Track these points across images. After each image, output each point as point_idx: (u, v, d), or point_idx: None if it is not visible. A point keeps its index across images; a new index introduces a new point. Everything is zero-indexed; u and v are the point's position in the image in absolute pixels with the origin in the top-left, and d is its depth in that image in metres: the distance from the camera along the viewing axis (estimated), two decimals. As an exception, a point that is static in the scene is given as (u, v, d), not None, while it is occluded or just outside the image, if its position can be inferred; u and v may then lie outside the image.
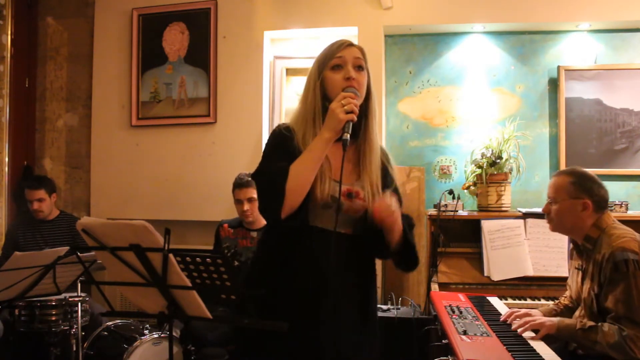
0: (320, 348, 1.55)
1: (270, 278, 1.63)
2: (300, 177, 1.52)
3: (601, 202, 2.06)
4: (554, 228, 2.16)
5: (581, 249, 2.10)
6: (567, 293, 2.32)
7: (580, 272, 2.12)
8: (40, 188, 3.41)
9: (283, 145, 1.60)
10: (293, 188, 1.51)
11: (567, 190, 2.07)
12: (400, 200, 1.66)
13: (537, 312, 2.19)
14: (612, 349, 1.82)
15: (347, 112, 1.49)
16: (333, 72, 1.59)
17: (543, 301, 2.74)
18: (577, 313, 2.13)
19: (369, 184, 1.60)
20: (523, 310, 2.14)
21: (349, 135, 1.49)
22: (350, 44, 1.61)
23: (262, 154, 1.67)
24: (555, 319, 2.01)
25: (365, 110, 1.62)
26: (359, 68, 1.59)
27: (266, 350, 1.60)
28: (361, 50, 1.63)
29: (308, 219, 1.57)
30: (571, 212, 2.06)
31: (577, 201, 2.05)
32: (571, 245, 2.24)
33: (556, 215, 2.11)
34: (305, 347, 1.55)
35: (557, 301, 2.34)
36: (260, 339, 1.59)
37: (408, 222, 1.67)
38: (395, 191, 1.66)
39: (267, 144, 1.67)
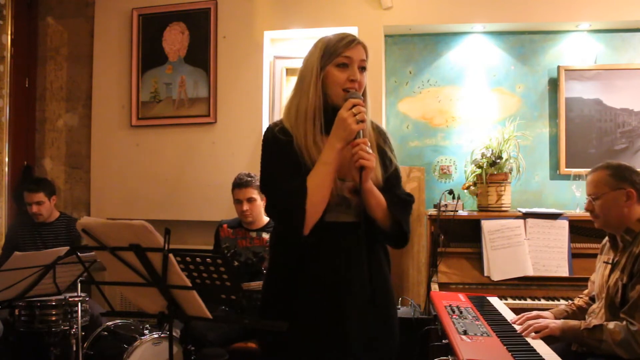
0: (347, 341, 1.55)
1: (289, 278, 1.61)
2: (320, 192, 1.51)
3: None
4: (601, 224, 2.11)
5: (617, 242, 2.06)
6: (586, 291, 2.29)
7: (609, 266, 2.08)
8: (39, 191, 3.40)
9: (284, 153, 1.57)
10: (314, 204, 1.50)
11: (607, 183, 2.04)
12: (397, 178, 1.68)
13: (548, 314, 2.18)
14: (619, 346, 1.81)
15: (359, 122, 1.48)
16: (338, 69, 1.56)
17: (543, 301, 2.74)
18: (594, 306, 2.10)
19: (375, 179, 1.60)
20: (534, 313, 2.13)
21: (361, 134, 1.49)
22: (358, 42, 1.59)
23: (260, 161, 1.64)
24: (560, 321, 2.01)
25: None
26: (362, 69, 1.59)
27: (289, 348, 1.60)
28: (365, 49, 1.61)
29: (323, 216, 1.56)
30: (616, 204, 2.02)
31: (619, 192, 2.01)
32: (604, 240, 2.20)
33: (601, 211, 2.06)
34: (331, 342, 1.55)
35: (570, 302, 2.32)
36: (283, 337, 1.57)
37: (402, 198, 1.65)
38: (395, 173, 1.67)
39: (265, 152, 1.63)
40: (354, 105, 1.50)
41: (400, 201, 1.64)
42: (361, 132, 1.50)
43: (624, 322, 1.84)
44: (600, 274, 2.15)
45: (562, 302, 2.66)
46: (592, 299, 2.23)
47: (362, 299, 1.57)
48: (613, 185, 2.03)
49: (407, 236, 1.64)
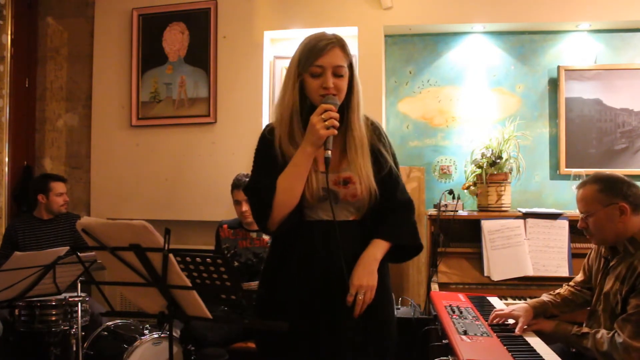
0: (336, 343, 1.58)
1: (279, 277, 1.66)
2: (287, 192, 1.57)
3: (638, 201, 1.92)
4: (597, 242, 2.05)
5: (617, 249, 1.99)
6: (578, 278, 2.24)
7: (604, 262, 2.04)
8: (65, 181, 3.54)
9: (267, 153, 1.64)
10: (281, 203, 1.56)
11: (597, 200, 1.95)
12: (393, 177, 1.68)
13: (522, 308, 2.08)
14: (602, 356, 1.81)
15: (328, 127, 1.51)
16: (312, 78, 1.58)
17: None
18: (594, 304, 2.06)
19: (360, 169, 1.61)
20: (506, 310, 2.09)
21: (330, 152, 1.52)
22: (331, 47, 1.56)
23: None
24: (553, 322, 2.01)
25: (347, 103, 1.62)
26: (338, 75, 1.58)
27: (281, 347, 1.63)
28: (344, 49, 1.59)
29: (305, 215, 1.61)
30: (610, 221, 1.93)
31: (612, 207, 1.92)
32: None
33: (595, 228, 1.97)
34: (321, 342, 1.58)
35: (556, 291, 2.26)
36: (277, 336, 1.61)
37: (399, 220, 1.66)
38: (390, 172, 1.67)
39: (255, 151, 1.71)
40: (326, 111, 1.52)
41: (399, 222, 1.66)
42: (331, 137, 1.52)
43: (611, 333, 1.82)
44: (595, 266, 2.12)
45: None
46: (588, 288, 2.18)
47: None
48: (604, 201, 1.94)
49: (420, 247, 1.71)
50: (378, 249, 1.61)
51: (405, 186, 1.74)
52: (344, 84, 1.59)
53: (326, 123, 1.50)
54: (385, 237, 1.63)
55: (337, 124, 1.52)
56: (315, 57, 1.56)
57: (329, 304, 1.58)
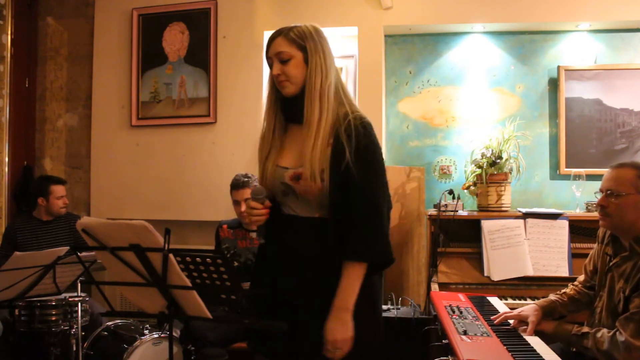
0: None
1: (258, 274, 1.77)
2: None
3: None
4: (611, 224, 1.98)
5: (621, 244, 1.97)
6: (581, 278, 2.24)
7: (608, 259, 2.03)
8: (65, 184, 3.52)
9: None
10: None
11: (634, 184, 1.89)
12: (362, 172, 1.55)
13: (530, 309, 2.09)
14: (603, 355, 1.80)
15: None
16: (271, 69, 1.67)
17: (543, 301, 2.73)
18: (597, 303, 2.05)
19: (307, 160, 1.56)
20: (515, 312, 2.09)
21: (253, 234, 1.61)
22: (275, 36, 1.64)
23: None
24: (554, 322, 2.01)
25: (303, 89, 1.61)
26: (283, 61, 1.62)
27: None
28: (286, 35, 1.62)
29: (281, 207, 1.69)
30: (635, 209, 1.88)
31: None
32: (607, 233, 2.09)
33: (617, 210, 1.91)
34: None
35: (562, 291, 2.25)
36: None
37: (355, 242, 1.54)
38: (348, 169, 1.54)
39: None
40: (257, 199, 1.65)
41: (369, 235, 1.52)
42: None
43: (611, 332, 1.81)
44: (599, 263, 2.10)
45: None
46: (590, 287, 2.17)
47: (316, 305, 1.56)
48: None
49: (392, 262, 1.59)
50: (350, 289, 1.51)
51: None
52: (290, 68, 1.61)
53: (247, 220, 1.65)
54: (356, 258, 1.52)
55: (258, 222, 1.65)
56: (266, 50, 1.67)
57: (289, 305, 1.61)
